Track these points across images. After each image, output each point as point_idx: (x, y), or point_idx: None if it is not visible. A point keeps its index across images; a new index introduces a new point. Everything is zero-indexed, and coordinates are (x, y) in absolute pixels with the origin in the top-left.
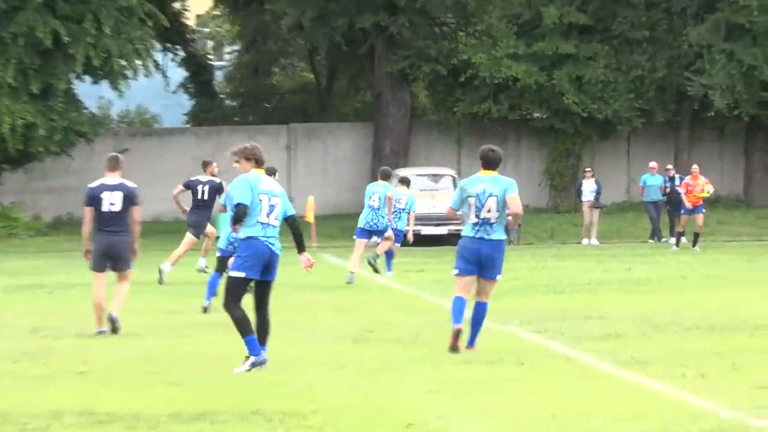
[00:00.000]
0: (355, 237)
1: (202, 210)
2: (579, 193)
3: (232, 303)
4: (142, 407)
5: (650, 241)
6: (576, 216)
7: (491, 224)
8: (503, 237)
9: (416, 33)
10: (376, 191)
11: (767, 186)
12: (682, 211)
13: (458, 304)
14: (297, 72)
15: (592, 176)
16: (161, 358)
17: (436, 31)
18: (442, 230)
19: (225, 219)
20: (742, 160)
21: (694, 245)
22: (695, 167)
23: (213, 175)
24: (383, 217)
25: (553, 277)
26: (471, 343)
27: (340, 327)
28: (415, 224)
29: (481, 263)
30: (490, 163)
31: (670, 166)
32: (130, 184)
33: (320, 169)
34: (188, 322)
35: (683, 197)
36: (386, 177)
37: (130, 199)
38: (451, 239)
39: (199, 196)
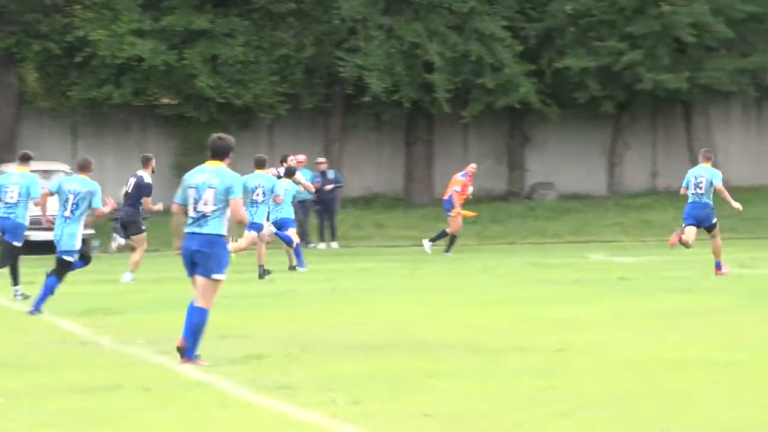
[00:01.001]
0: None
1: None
2: None
3: None
4: None
5: None
6: None
7: (206, 217)
8: (220, 231)
9: (24, 5)
10: (260, 185)
11: (429, 182)
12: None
13: (192, 323)
14: None
15: None
16: None
17: (48, 3)
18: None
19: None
20: (402, 152)
21: (447, 250)
22: (474, 166)
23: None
24: (262, 210)
25: (185, 289)
26: (189, 355)
27: None
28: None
29: (193, 260)
30: (215, 152)
31: (321, 160)
32: None
33: None
34: None
35: (455, 196)
36: (261, 166)
37: None
38: None
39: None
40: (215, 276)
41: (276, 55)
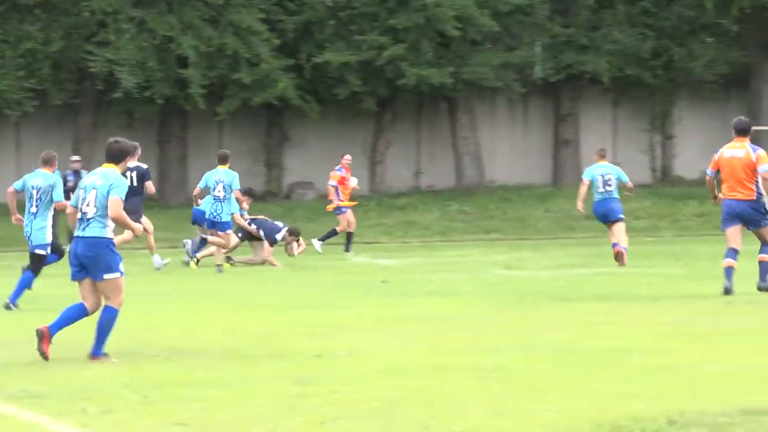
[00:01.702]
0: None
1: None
2: None
3: None
4: None
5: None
6: None
7: (88, 219)
8: (102, 234)
9: None
10: (220, 180)
11: (183, 181)
12: (344, 210)
13: (67, 313)
14: None
15: None
16: None
17: None
18: None
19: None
20: (155, 151)
21: (347, 249)
22: (348, 157)
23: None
24: (227, 208)
25: None
26: (95, 352)
27: None
28: None
29: (82, 264)
30: (109, 155)
31: (76, 158)
32: None
33: None
34: None
35: (337, 191)
36: (224, 161)
37: None
38: None
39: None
40: (106, 276)
41: (22, 49)
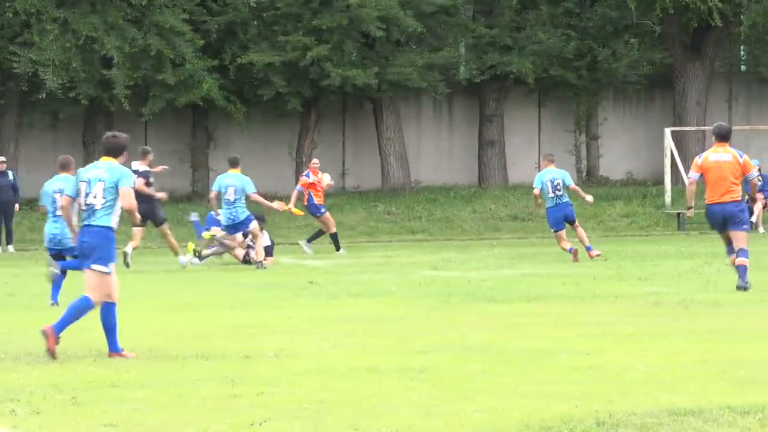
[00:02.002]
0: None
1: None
2: None
3: None
4: None
5: None
6: None
7: (95, 210)
8: (108, 224)
9: None
10: (230, 184)
11: None
12: (323, 211)
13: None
14: None
15: None
16: None
17: None
18: None
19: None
20: (80, 152)
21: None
22: (316, 161)
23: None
24: (241, 208)
25: None
26: (55, 327)
27: None
28: None
29: (84, 252)
30: (108, 150)
31: (1, 159)
32: None
33: None
34: None
35: (311, 196)
36: (235, 165)
37: None
38: None
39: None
40: (95, 267)
41: None
